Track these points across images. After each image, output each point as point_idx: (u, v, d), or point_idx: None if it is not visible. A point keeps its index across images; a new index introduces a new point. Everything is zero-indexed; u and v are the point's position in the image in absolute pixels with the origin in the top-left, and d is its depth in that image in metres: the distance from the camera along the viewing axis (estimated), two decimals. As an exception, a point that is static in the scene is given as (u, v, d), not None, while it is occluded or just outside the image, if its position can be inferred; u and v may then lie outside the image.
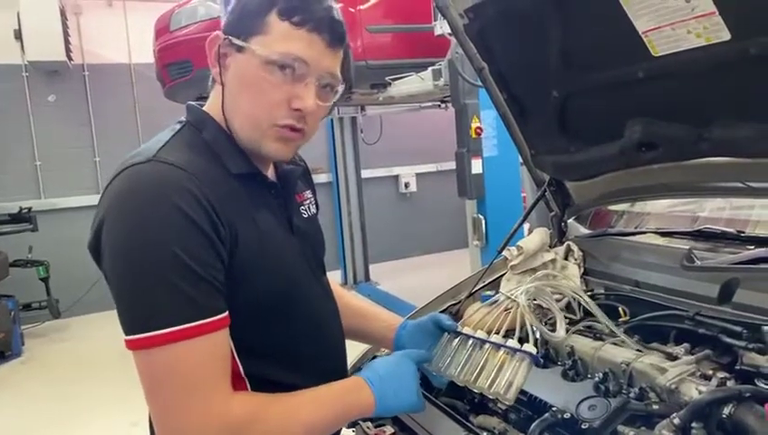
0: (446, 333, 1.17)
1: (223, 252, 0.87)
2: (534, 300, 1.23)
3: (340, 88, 1.00)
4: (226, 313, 0.88)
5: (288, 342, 1.01)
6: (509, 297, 1.20)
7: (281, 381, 0.97)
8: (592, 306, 1.25)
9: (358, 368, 1.47)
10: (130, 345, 0.84)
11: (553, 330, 1.20)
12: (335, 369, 1.11)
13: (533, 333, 1.11)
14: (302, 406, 0.93)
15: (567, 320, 1.32)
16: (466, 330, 1.14)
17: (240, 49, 0.93)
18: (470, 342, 1.11)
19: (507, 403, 1.02)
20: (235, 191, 0.94)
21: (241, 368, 0.94)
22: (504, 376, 1.02)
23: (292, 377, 0.98)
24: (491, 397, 1.03)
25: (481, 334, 1.11)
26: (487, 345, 1.08)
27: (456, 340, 1.14)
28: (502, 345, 1.06)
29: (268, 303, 0.96)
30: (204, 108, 1.01)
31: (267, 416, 0.88)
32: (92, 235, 0.89)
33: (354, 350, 1.39)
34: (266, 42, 0.92)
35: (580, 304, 1.44)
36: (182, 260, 0.82)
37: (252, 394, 0.94)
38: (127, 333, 0.84)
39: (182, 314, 0.82)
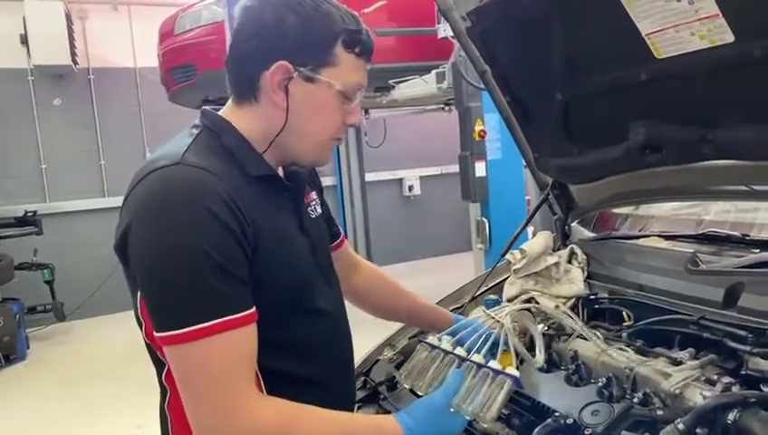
0: (420, 344, 1.18)
1: (248, 249, 0.91)
2: (515, 322, 1.23)
3: None
4: (254, 308, 0.91)
5: (298, 338, 1.02)
6: (494, 318, 1.21)
7: (291, 375, 1.00)
8: (579, 326, 1.25)
9: (361, 372, 1.47)
10: (164, 341, 0.87)
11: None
12: (342, 368, 1.14)
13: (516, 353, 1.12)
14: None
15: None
16: (444, 344, 1.14)
17: (310, 79, 0.98)
18: (447, 357, 1.11)
19: (485, 425, 1.00)
20: (254, 193, 0.96)
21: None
22: (486, 398, 0.99)
23: (301, 372, 1.02)
24: (468, 418, 0.99)
25: (460, 352, 1.10)
26: (467, 363, 1.06)
27: (429, 352, 1.14)
28: (484, 366, 1.03)
29: (282, 301, 0.99)
30: (221, 113, 1.03)
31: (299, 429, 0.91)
32: (119, 236, 0.92)
33: (359, 352, 1.38)
34: (337, 74, 0.99)
35: (584, 308, 1.44)
36: (213, 258, 0.86)
37: (280, 403, 0.93)
38: (158, 330, 0.87)
39: (215, 310, 0.86)
